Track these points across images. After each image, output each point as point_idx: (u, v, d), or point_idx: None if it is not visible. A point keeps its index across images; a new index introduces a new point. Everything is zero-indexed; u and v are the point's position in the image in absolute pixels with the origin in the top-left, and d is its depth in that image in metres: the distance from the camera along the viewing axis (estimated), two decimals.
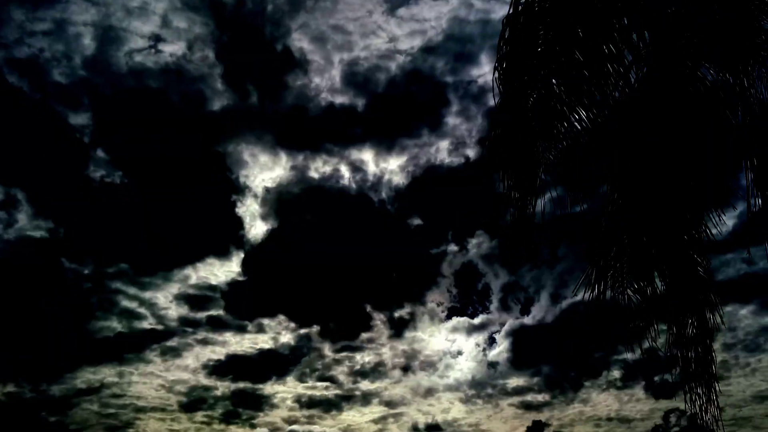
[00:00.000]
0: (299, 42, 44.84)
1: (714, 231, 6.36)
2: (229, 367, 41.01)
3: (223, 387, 41.11)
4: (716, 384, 6.70)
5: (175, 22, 40.63)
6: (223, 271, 46.05)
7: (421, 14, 44.33)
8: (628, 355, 6.62)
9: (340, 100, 44.74)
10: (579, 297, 6.42)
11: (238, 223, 43.00)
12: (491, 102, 5.45)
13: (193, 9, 38.72)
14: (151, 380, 39.37)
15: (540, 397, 40.11)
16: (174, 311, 42.54)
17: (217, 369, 40.53)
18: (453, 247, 45.67)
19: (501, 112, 5.57)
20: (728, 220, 6.34)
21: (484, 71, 39.87)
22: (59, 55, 39.62)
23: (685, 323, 6.60)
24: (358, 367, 42.59)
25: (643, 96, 5.62)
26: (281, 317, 43.45)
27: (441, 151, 45.55)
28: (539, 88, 5.34)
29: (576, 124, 5.45)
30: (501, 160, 6.17)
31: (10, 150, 36.51)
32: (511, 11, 5.13)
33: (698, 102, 5.33)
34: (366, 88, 44.22)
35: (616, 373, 38.61)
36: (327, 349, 43.19)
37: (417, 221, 43.85)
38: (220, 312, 42.38)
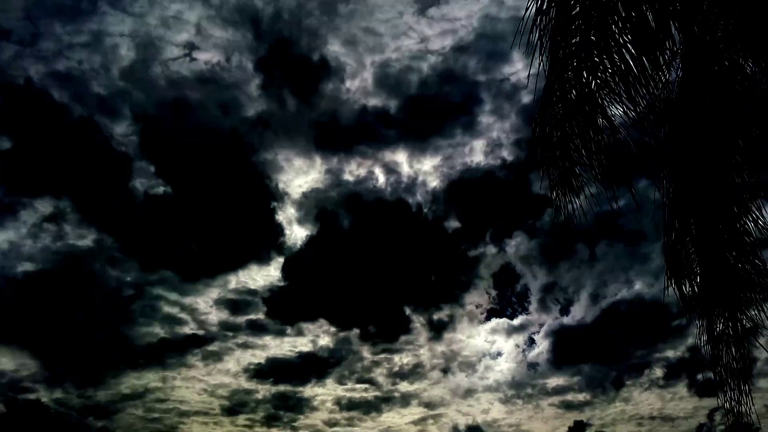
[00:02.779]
0: (332, 46, 45.15)
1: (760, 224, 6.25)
2: (270, 370, 41.58)
3: (264, 390, 41.67)
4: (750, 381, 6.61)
5: (209, 30, 41.34)
6: (262, 275, 46.63)
7: (452, 13, 44.17)
8: (671, 353, 6.56)
9: (372, 102, 44.90)
10: (619, 296, 6.39)
11: (278, 228, 43.63)
12: (525, 99, 5.51)
13: (231, 21, 39.31)
14: (193, 384, 40.16)
15: (581, 397, 39.68)
16: (215, 316, 43.31)
17: (257, 373, 41.11)
18: (491, 249, 45.55)
19: (540, 110, 5.61)
20: None
21: (516, 68, 39.53)
22: (98, 66, 40.72)
23: (719, 320, 6.52)
24: (397, 368, 42.74)
25: (684, 88, 5.59)
26: (321, 321, 43.85)
27: (476, 151, 45.31)
28: (576, 84, 5.35)
29: (614, 119, 5.45)
30: (539, 159, 6.21)
31: (57, 162, 37.66)
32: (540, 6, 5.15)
33: (738, 92, 5.26)
34: (398, 89, 44.33)
35: (658, 372, 37.91)
36: (366, 352, 43.45)
37: (454, 223, 43.85)
38: (260, 316, 42.99)
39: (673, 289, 6.62)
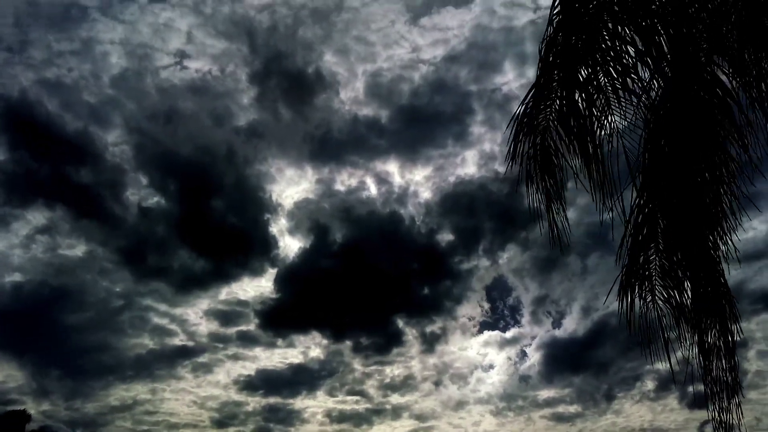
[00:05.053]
0: (325, 56, 45.14)
1: (743, 237, 6.27)
2: (260, 382, 41.21)
3: (254, 402, 41.21)
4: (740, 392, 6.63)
5: (200, 38, 41.31)
6: (254, 286, 46.34)
7: (444, 23, 44.20)
8: (662, 365, 6.58)
9: (364, 111, 44.90)
10: (611, 308, 6.41)
11: (271, 240, 43.39)
12: (517, 110, 5.58)
13: (224, 31, 39.33)
14: (182, 396, 39.71)
15: (572, 409, 39.60)
16: (205, 327, 42.89)
17: (248, 384, 40.71)
18: (484, 262, 45.49)
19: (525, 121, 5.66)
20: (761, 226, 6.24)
21: (508, 78, 39.63)
22: (88, 74, 40.56)
23: (707, 331, 6.53)
24: (388, 380, 42.47)
25: (666, 102, 5.64)
26: (313, 332, 43.54)
27: (468, 162, 45.34)
28: (563, 97, 5.41)
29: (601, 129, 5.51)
30: (528, 172, 6.26)
31: (50, 173, 37.45)
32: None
33: (717, 106, 5.32)
34: (390, 99, 44.35)
35: (649, 384, 37.86)
36: (357, 364, 43.14)
37: (447, 235, 43.75)
38: (251, 327, 42.63)
39: (662, 300, 6.66)
